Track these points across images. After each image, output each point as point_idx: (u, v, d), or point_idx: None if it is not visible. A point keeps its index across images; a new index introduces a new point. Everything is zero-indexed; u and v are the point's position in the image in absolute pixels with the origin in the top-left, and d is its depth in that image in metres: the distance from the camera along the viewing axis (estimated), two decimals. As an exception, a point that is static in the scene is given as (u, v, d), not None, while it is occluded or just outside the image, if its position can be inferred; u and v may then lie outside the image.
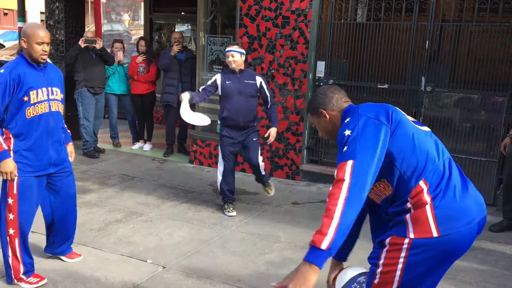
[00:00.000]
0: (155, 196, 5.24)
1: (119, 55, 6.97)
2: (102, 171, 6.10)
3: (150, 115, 7.28)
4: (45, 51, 3.14)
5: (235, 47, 4.62)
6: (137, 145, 7.26)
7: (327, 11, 5.68)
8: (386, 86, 5.44)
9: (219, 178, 4.83)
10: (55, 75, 3.33)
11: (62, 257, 3.68)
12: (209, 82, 4.77)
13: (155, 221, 4.56)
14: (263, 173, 4.92)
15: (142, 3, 10.27)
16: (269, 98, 4.72)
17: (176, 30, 9.27)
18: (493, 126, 5.10)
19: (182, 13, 9.32)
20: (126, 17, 22.75)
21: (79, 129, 6.68)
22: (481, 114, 5.16)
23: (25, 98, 3.09)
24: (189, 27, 9.99)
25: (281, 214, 4.83)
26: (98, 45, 6.46)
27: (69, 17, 7.62)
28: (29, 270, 3.35)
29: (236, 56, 4.59)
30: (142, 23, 10.10)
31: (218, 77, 4.71)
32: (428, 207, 1.97)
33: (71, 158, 3.53)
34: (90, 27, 18.69)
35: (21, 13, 9.00)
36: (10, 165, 3.08)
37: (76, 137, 3.64)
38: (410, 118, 2.17)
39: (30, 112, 3.12)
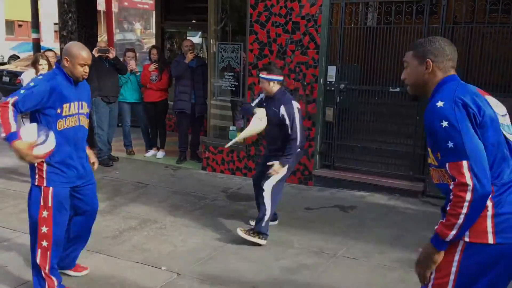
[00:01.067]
0: (169, 203, 5.27)
1: (132, 64, 7.04)
2: (116, 179, 6.16)
3: (163, 123, 7.34)
4: (86, 72, 3.20)
5: (263, 73, 4.35)
6: (151, 153, 7.31)
7: (337, 16, 5.68)
8: (398, 89, 5.42)
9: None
10: (85, 89, 3.38)
11: (67, 271, 3.60)
12: (257, 100, 4.58)
13: (169, 228, 4.59)
14: (264, 208, 4.25)
15: (154, 12, 10.39)
16: (289, 129, 4.18)
17: (187, 38, 9.34)
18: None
19: (193, 21, 9.40)
20: (138, 26, 22.98)
21: (93, 138, 6.76)
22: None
23: (58, 110, 3.13)
24: (200, 34, 10.07)
25: (294, 220, 4.82)
26: (111, 55, 6.53)
27: (82, 28, 7.73)
28: (60, 282, 3.34)
29: (263, 83, 4.35)
30: (154, 31, 10.19)
31: (262, 96, 4.51)
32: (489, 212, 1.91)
33: (94, 166, 3.50)
34: (102, 37, 18.92)
35: (35, 25, 9.16)
36: (21, 145, 2.88)
37: (90, 146, 3.67)
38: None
39: (61, 125, 3.15)
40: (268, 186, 4.25)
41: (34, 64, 5.63)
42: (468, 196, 1.82)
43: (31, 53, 10.65)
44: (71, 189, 3.29)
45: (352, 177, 5.73)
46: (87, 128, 3.39)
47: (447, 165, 1.90)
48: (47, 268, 3.25)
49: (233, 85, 6.61)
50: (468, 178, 1.83)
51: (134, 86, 7.15)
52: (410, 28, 5.35)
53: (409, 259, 3.83)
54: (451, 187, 1.88)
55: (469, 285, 1.95)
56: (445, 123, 1.90)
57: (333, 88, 5.74)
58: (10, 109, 2.97)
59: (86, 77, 3.23)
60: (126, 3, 22.16)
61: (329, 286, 3.50)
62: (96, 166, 3.52)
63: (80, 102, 3.26)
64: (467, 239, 1.92)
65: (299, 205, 5.27)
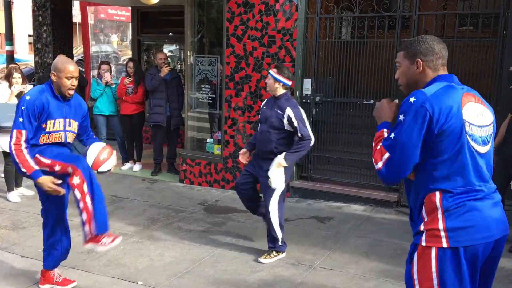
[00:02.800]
0: (145, 217, 5.23)
1: (107, 77, 7.01)
2: (91, 192, 6.07)
3: (139, 135, 7.30)
4: (74, 85, 3.26)
5: (273, 71, 4.12)
6: (127, 166, 7.26)
7: (312, 30, 5.78)
8: (372, 102, 5.52)
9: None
10: (78, 108, 3.41)
11: (55, 287, 3.60)
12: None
13: (146, 242, 4.55)
14: (275, 233, 4.13)
15: (130, 24, 10.37)
16: (298, 131, 4.02)
17: (163, 50, 9.35)
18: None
19: (170, 33, 9.41)
20: (114, 38, 22.88)
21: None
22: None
23: (43, 125, 3.22)
24: (177, 47, 10.09)
25: (272, 232, 4.83)
26: None
27: (57, 40, 7.67)
28: None
29: (269, 80, 4.14)
30: (130, 44, 10.16)
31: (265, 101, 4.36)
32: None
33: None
34: (78, 49, 18.75)
35: (9, 37, 9.05)
36: (46, 180, 3.16)
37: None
38: None
39: (44, 139, 3.24)
40: (273, 208, 4.09)
41: (8, 77, 5.56)
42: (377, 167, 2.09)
43: (5, 65, 10.49)
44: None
45: (329, 188, 5.80)
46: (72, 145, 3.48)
47: (381, 144, 2.10)
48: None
49: (210, 98, 6.63)
50: (380, 165, 2.07)
51: (109, 98, 7.11)
52: (383, 42, 5.48)
53: (384, 268, 3.89)
54: (375, 151, 2.13)
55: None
56: (401, 117, 2.02)
57: (309, 101, 5.82)
58: (23, 147, 3.16)
59: (72, 91, 3.27)
60: (102, 15, 22.01)
61: (306, 298, 3.53)
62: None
63: (67, 120, 3.32)
64: (424, 243, 1.99)
65: (277, 216, 5.29)
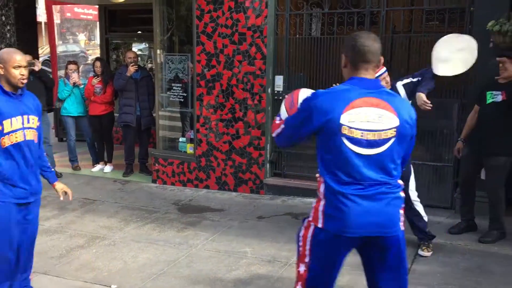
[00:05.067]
0: (118, 219, 5.14)
1: (74, 77, 6.85)
2: (61, 196, 5.93)
3: (110, 136, 7.17)
4: (23, 75, 3.06)
5: (383, 67, 3.91)
6: (98, 167, 7.12)
7: (282, 27, 5.79)
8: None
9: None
10: (32, 103, 3.22)
11: None
12: None
13: (119, 244, 4.47)
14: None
15: (98, 23, 10.16)
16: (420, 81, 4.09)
17: (132, 49, 9.19)
18: (447, 132, 5.28)
19: (139, 32, 9.27)
20: (81, 37, 22.42)
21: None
22: (435, 120, 5.34)
23: (0, 128, 2.98)
24: (147, 45, 9.94)
25: (247, 229, 4.82)
26: (37, 67, 6.35)
27: (22, 40, 7.46)
28: None
29: (388, 76, 3.99)
30: (99, 43, 9.96)
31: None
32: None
33: (66, 195, 3.41)
34: (44, 49, 18.30)
35: (-30, 37, 8.71)
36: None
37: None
38: None
39: (4, 142, 3.00)
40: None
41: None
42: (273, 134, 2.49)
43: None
44: (25, 206, 3.14)
45: (302, 184, 5.82)
46: (36, 142, 3.21)
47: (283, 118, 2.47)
48: None
49: (181, 96, 6.56)
50: (274, 134, 2.48)
51: (78, 99, 6.95)
52: (353, 38, 5.51)
53: (359, 262, 3.92)
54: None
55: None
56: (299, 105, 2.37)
57: (281, 98, 5.82)
58: None
59: (24, 81, 3.08)
60: (68, 14, 21.55)
61: (282, 294, 3.53)
62: (70, 195, 3.45)
63: (25, 116, 3.11)
64: (310, 218, 2.32)
65: (252, 214, 5.28)
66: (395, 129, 2.22)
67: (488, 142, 4.31)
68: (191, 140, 6.45)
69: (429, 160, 5.34)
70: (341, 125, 2.17)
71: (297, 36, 5.83)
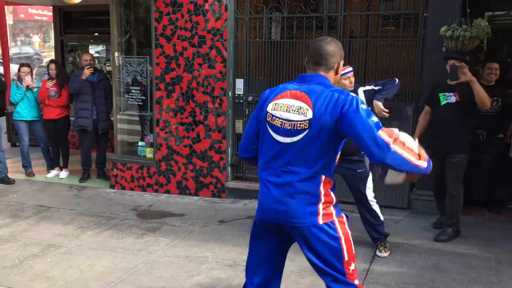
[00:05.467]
0: (74, 226, 4.98)
1: (27, 80, 6.61)
2: (14, 203, 5.70)
3: (65, 141, 6.96)
4: None
5: (350, 67, 4.10)
6: (53, 173, 6.89)
7: (242, 30, 5.79)
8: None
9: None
10: None
11: None
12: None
13: (75, 252, 4.33)
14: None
15: (53, 24, 9.86)
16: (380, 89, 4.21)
17: (88, 51, 8.97)
18: (403, 134, 5.40)
19: (96, 33, 9.05)
20: (36, 39, 21.74)
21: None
22: (391, 124, 5.46)
23: None
24: (104, 47, 9.72)
25: (208, 234, 4.78)
26: None
27: (-30, 41, 7.13)
28: None
29: (353, 77, 4.12)
30: (53, 44, 9.66)
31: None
32: None
33: None
34: (-5, 51, 17.57)
35: None
36: None
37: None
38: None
39: None
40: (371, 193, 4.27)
41: None
42: None
43: None
44: None
45: (264, 188, 5.81)
46: None
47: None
48: None
49: (140, 99, 6.45)
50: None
51: (31, 103, 6.71)
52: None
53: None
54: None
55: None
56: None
57: (241, 101, 5.82)
58: None
59: None
60: (22, 15, 20.84)
61: (244, 299, 3.50)
62: None
63: None
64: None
65: (213, 218, 5.24)
66: (307, 122, 2.26)
67: (446, 141, 4.50)
68: (150, 144, 6.34)
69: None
70: (267, 112, 2.39)
71: (257, 39, 5.85)
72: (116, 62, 6.45)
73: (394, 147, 2.18)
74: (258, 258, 2.52)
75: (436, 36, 4.83)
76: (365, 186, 4.13)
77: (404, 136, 2.32)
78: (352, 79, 4.11)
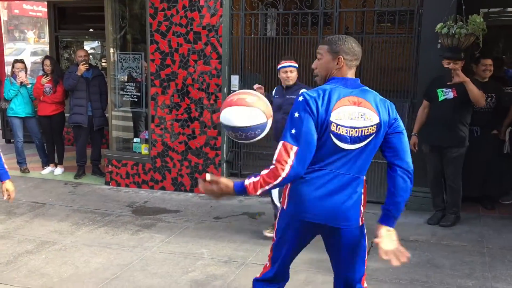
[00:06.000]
0: (69, 223, 4.97)
1: (21, 76, 6.58)
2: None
3: (60, 137, 6.93)
4: None
5: (292, 62, 4.35)
6: (48, 170, 6.86)
7: (238, 26, 5.78)
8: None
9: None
10: None
11: None
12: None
13: (70, 249, 4.32)
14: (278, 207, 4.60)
15: (47, 20, 9.80)
16: None
17: (83, 47, 8.92)
18: (398, 131, 5.42)
19: (91, 29, 9.01)
20: (30, 35, 21.61)
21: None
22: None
23: None
24: (99, 43, 9.68)
25: (203, 230, 4.78)
26: None
27: (-36, 37, 7.08)
28: None
29: (293, 72, 4.33)
30: (48, 41, 9.61)
31: (273, 92, 4.55)
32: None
33: (8, 198, 3.37)
34: (-10, 46, 17.46)
35: None
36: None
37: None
38: None
39: None
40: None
41: None
42: (284, 173, 2.21)
43: None
44: None
45: (259, 184, 5.81)
46: None
47: (281, 142, 2.25)
48: None
49: (135, 96, 6.43)
50: (290, 160, 2.20)
51: (25, 99, 6.68)
52: (306, 39, 5.58)
53: (315, 260, 3.96)
54: (273, 160, 2.24)
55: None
56: (296, 114, 2.26)
57: (236, 97, 5.80)
58: None
59: None
60: (16, 11, 20.70)
61: (239, 295, 3.52)
62: (11, 197, 3.42)
63: None
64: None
65: (208, 215, 5.24)
66: (374, 126, 2.32)
67: (444, 136, 4.63)
68: (145, 141, 6.33)
69: (382, 158, 5.45)
70: (330, 122, 2.25)
71: (253, 36, 5.84)
72: (111, 58, 6.43)
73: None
74: (292, 256, 2.57)
75: (431, 33, 4.84)
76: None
77: None
78: (289, 74, 4.34)
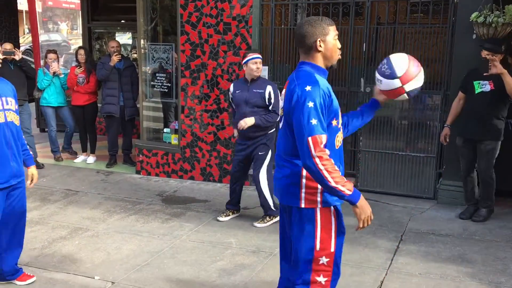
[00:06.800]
0: (101, 210, 5.09)
1: (54, 66, 6.73)
2: (43, 187, 5.85)
3: (92, 127, 7.08)
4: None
5: (258, 54, 4.56)
6: (80, 158, 7.03)
7: (268, 17, 5.75)
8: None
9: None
10: (7, 86, 3.33)
11: (14, 281, 3.51)
12: (230, 96, 4.75)
13: (102, 235, 4.43)
14: (266, 201, 4.63)
15: (80, 12, 9.99)
16: (272, 106, 4.49)
17: (115, 38, 9.06)
18: (430, 123, 5.33)
19: (122, 21, 9.14)
20: (64, 26, 22.06)
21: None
22: (418, 112, 5.39)
23: None
24: (130, 35, 9.81)
25: (231, 220, 4.81)
26: (17, 56, 6.25)
27: (2, 28, 7.30)
28: None
29: (260, 64, 4.53)
30: (81, 32, 9.80)
31: (231, 88, 4.71)
32: None
33: (31, 183, 3.47)
34: (26, 38, 17.96)
35: None
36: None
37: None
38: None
39: None
40: (262, 177, 4.58)
41: None
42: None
43: None
44: (7, 189, 3.26)
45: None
46: (17, 124, 3.33)
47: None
48: None
49: (165, 87, 6.50)
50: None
51: (58, 89, 6.85)
52: (337, 29, 5.49)
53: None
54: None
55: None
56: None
57: (266, 88, 5.79)
58: None
59: None
60: (50, 3, 21.15)
61: (266, 285, 3.53)
62: (34, 181, 3.50)
63: (3, 98, 3.21)
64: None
65: (236, 205, 5.27)
66: (284, 108, 2.42)
67: (479, 129, 4.53)
68: (175, 131, 6.40)
69: (412, 151, 5.39)
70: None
71: (282, 26, 5.80)
72: (142, 49, 6.51)
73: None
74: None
75: (466, 23, 4.71)
76: (260, 168, 4.61)
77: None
78: (259, 66, 4.51)
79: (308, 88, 2.25)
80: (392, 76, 2.45)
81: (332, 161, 2.22)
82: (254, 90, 4.52)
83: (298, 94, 2.26)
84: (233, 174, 4.82)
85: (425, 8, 5.12)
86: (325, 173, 2.17)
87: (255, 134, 4.55)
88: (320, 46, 2.38)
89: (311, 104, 2.20)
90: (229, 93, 4.74)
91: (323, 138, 2.19)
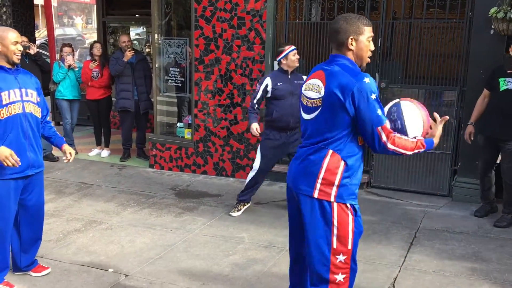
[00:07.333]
0: (115, 203, 5.13)
1: (69, 60, 6.78)
2: (58, 179, 5.92)
3: (107, 121, 7.13)
4: (20, 50, 3.22)
5: (293, 46, 4.61)
6: (95, 152, 7.09)
7: (282, 11, 5.72)
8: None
9: (251, 175, 4.81)
10: (30, 79, 3.37)
11: (30, 272, 3.57)
12: (260, 90, 4.61)
13: (116, 228, 4.47)
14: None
15: (95, 6, 10.03)
16: None
17: (129, 33, 9.10)
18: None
19: (136, 15, 9.17)
20: (79, 20, 22.18)
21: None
22: (434, 108, 5.33)
23: None
24: (144, 29, 9.85)
25: (244, 215, 4.82)
26: (32, 51, 6.32)
27: (18, 22, 7.37)
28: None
29: (296, 55, 4.60)
30: (96, 26, 9.85)
31: (268, 81, 4.59)
32: None
33: (70, 157, 3.49)
34: (41, 32, 18.12)
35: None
36: (4, 151, 3.05)
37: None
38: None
39: (3, 113, 3.14)
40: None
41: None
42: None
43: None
44: (23, 179, 3.29)
45: (300, 171, 5.79)
46: (38, 116, 3.36)
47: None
48: None
49: (179, 81, 6.51)
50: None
51: (72, 82, 6.90)
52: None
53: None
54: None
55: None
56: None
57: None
58: None
59: (19, 55, 3.22)
60: (65, -3, 21.26)
61: (278, 280, 3.54)
62: (72, 156, 3.52)
63: (23, 90, 3.25)
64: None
65: (249, 200, 5.28)
66: (320, 99, 2.38)
67: (501, 128, 4.40)
68: (189, 126, 6.42)
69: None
70: (301, 92, 2.55)
71: (297, 21, 5.77)
72: (156, 44, 6.53)
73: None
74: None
75: (484, 18, 4.64)
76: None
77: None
78: (293, 57, 4.58)
79: (367, 80, 2.29)
80: (403, 132, 2.48)
81: (398, 136, 2.35)
82: (295, 82, 4.59)
83: (359, 88, 2.27)
84: (266, 171, 4.90)
85: (442, 3, 5.05)
86: (401, 150, 2.36)
87: (297, 124, 4.58)
88: (351, 44, 2.36)
89: (373, 96, 2.28)
90: (262, 86, 4.60)
91: (387, 123, 2.33)
